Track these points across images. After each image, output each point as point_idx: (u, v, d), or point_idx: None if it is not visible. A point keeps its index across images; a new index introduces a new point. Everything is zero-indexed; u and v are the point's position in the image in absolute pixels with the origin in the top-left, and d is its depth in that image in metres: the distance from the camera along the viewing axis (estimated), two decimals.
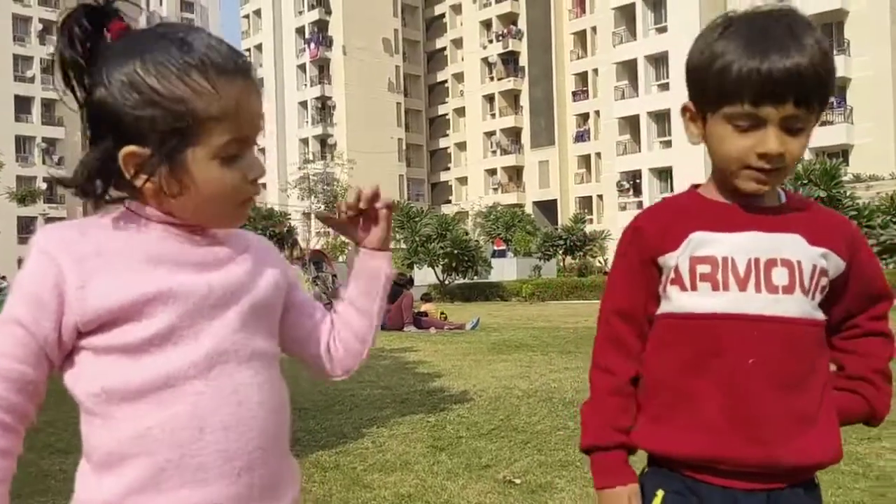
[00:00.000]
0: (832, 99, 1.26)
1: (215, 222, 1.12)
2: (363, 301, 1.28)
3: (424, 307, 14.29)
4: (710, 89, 1.22)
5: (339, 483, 3.86)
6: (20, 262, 1.12)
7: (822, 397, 1.25)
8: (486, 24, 62.74)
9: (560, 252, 30.39)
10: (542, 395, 6.17)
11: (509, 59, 61.32)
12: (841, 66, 35.50)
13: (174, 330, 1.04)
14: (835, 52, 34.21)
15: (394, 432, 4.94)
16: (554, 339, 10.64)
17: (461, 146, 66.22)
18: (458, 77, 66.96)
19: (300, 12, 65.62)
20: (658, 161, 46.10)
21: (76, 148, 49.66)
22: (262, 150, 69.39)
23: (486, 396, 6.18)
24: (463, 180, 65.65)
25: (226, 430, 1.06)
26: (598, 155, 54.00)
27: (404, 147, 66.54)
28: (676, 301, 1.27)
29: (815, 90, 1.18)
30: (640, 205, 47.03)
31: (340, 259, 26.29)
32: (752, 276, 1.22)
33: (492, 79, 62.34)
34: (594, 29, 54.06)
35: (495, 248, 31.07)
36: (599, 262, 34.04)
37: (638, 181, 47.69)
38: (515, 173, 61.29)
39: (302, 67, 65.61)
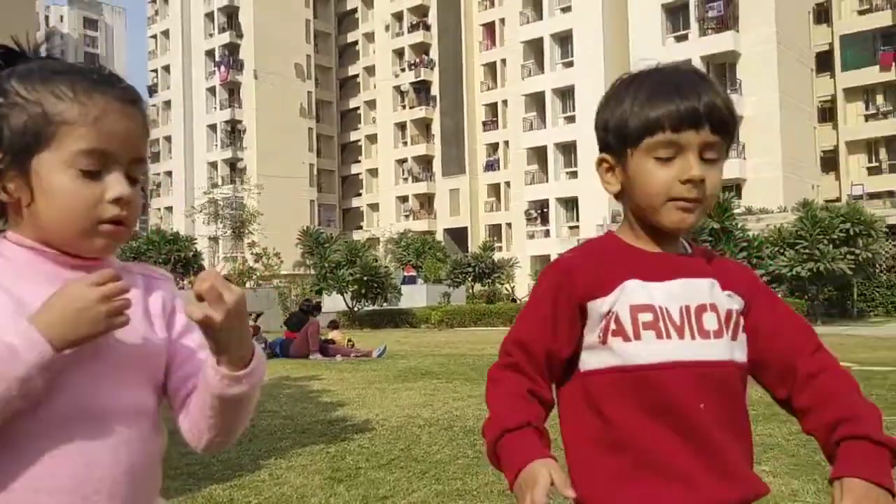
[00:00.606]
0: None
1: (75, 243, 1.06)
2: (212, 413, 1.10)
3: (331, 335, 14.12)
4: (632, 127, 1.26)
5: None
6: None
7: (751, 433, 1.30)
8: (399, 53, 63.29)
9: (469, 279, 30.70)
10: (444, 423, 6.24)
11: (421, 88, 62.00)
12: (734, 104, 37.27)
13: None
14: (728, 90, 36.05)
15: (292, 464, 4.89)
16: (459, 367, 10.74)
17: (373, 172, 66.25)
18: (371, 104, 67.15)
19: (210, 34, 64.49)
20: (565, 191, 47.37)
21: None
22: (169, 174, 67.68)
23: (389, 426, 6.20)
24: (374, 206, 65.59)
25: (69, 494, 0.99)
26: (508, 184, 55.11)
27: (316, 172, 66.01)
28: (622, 353, 1.24)
29: (728, 122, 1.26)
30: (546, 233, 48.10)
31: (248, 285, 25.77)
32: (685, 323, 1.24)
33: (404, 107, 62.80)
34: (503, 61, 55.49)
35: (405, 274, 31.10)
36: (507, 289, 34.57)
37: (545, 210, 48.79)
38: (427, 200, 61.70)
39: (212, 90, 64.36)
